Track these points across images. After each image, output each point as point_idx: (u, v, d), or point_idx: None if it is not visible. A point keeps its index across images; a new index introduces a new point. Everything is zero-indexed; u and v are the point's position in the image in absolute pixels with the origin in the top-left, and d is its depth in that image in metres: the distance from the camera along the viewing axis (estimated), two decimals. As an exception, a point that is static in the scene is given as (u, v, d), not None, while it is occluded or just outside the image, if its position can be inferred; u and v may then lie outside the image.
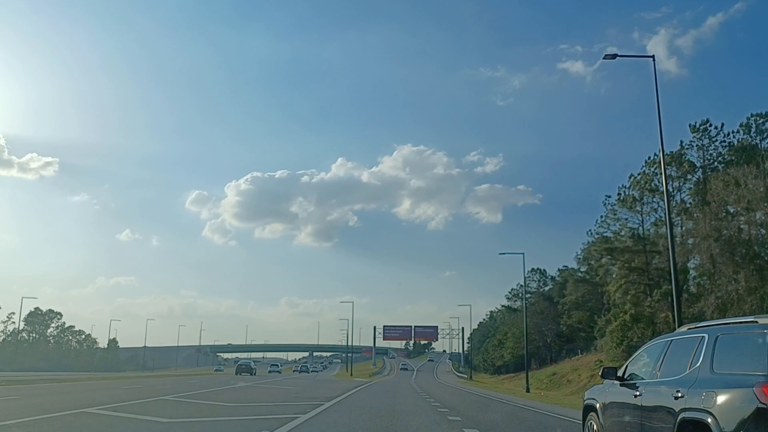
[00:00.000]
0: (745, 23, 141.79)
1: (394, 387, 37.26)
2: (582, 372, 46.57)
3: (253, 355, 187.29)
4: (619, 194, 43.91)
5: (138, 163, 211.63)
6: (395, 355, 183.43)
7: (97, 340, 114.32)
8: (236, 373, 57.79)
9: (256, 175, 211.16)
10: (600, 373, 7.36)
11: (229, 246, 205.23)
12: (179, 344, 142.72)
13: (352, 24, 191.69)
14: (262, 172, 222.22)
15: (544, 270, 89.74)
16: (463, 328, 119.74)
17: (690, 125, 41.06)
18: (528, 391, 41.59)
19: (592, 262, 54.09)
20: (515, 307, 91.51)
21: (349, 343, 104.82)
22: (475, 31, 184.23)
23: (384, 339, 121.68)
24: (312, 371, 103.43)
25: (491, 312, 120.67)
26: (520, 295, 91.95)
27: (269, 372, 72.42)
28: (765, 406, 4.24)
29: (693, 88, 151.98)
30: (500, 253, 44.05)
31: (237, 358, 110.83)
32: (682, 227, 38.84)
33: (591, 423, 7.78)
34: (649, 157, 40.59)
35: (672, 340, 6.35)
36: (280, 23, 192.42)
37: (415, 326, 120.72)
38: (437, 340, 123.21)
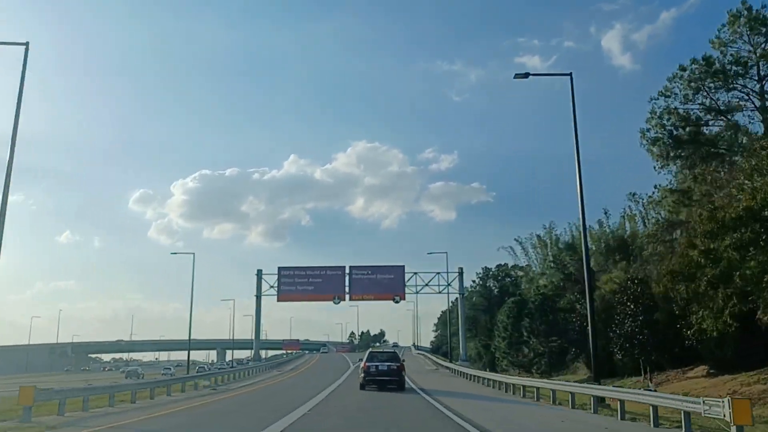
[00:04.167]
0: (697, 19, 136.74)
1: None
2: None
3: (149, 355, 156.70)
4: None
5: (77, 161, 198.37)
6: (334, 350, 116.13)
7: None
8: (126, 377, 58.57)
9: (205, 173, 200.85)
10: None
11: (176, 247, 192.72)
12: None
13: (305, 13, 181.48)
14: (211, 169, 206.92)
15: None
16: (461, 268, 56.49)
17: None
18: None
19: None
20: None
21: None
22: (432, 24, 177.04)
23: (280, 297, 56.75)
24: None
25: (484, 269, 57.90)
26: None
27: (162, 375, 63.26)
28: (365, 365, 26.25)
29: (646, 83, 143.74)
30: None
31: (125, 360, 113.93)
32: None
33: None
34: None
35: (370, 350, 30.86)
36: (228, 10, 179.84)
37: (351, 267, 55.65)
38: (403, 299, 58.25)
